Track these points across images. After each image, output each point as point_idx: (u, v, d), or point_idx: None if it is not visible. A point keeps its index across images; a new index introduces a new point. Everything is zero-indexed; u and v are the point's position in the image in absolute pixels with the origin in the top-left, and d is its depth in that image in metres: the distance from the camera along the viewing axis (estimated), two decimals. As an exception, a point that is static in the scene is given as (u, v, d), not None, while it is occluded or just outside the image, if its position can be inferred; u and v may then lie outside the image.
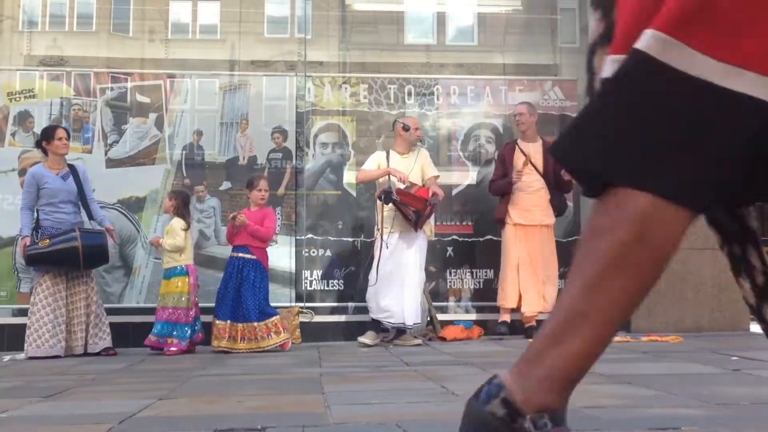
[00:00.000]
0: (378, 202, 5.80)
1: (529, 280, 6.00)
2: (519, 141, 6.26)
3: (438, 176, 6.06)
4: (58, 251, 5.37)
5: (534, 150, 6.16)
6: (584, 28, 7.55)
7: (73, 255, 5.36)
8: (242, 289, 5.58)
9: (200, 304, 5.75)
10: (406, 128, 5.99)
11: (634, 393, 3.13)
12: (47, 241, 5.41)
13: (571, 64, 7.43)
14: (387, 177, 5.82)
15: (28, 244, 5.44)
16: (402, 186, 5.72)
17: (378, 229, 5.86)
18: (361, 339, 5.78)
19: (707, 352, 4.76)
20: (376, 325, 5.86)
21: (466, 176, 6.99)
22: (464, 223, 6.89)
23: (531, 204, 6.06)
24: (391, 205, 5.70)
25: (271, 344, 5.53)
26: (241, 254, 5.67)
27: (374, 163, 5.99)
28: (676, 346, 5.25)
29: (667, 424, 2.45)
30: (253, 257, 5.66)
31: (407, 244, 5.79)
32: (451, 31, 7.72)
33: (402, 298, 5.69)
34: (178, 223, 5.70)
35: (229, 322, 5.57)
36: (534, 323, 6.02)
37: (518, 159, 6.14)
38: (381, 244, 5.77)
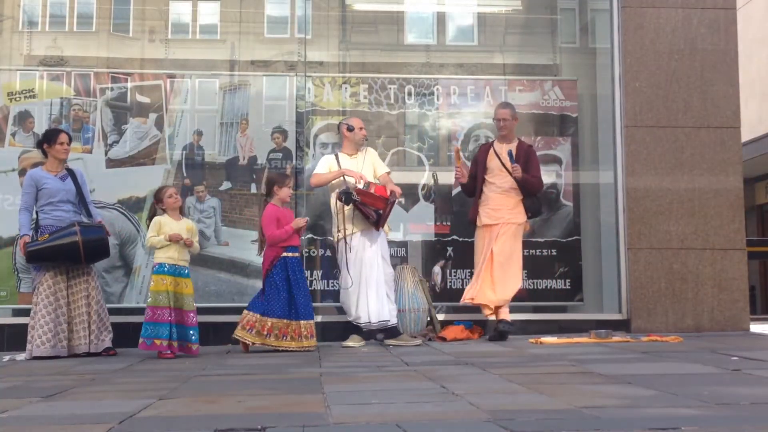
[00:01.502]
0: (337, 203, 5.75)
1: (487, 274, 5.90)
2: (495, 142, 6.23)
3: (389, 172, 6.03)
4: (59, 246, 5.36)
5: (506, 151, 6.12)
6: (584, 28, 7.56)
7: (73, 249, 5.34)
8: (302, 287, 5.54)
9: (199, 305, 5.72)
10: (350, 129, 5.99)
11: (634, 393, 3.14)
12: (47, 236, 5.42)
13: (571, 64, 7.43)
14: (342, 178, 5.80)
15: (28, 241, 5.44)
16: (360, 185, 5.69)
17: (338, 231, 5.83)
18: (345, 343, 5.77)
19: (707, 352, 4.75)
20: (356, 328, 5.84)
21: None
22: (464, 223, 6.88)
23: (499, 204, 6.01)
24: (349, 205, 5.68)
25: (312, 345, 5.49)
26: (297, 254, 5.62)
27: (325, 166, 5.94)
28: (676, 346, 5.25)
29: (667, 424, 2.45)
30: (299, 255, 5.69)
31: (368, 243, 5.77)
32: (451, 31, 7.71)
33: (367, 298, 5.68)
34: (195, 225, 5.69)
35: (303, 321, 5.45)
36: (505, 317, 5.91)
37: (491, 160, 6.12)
38: (345, 247, 5.75)
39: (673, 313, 6.37)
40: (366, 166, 5.93)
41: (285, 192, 5.64)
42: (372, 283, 5.70)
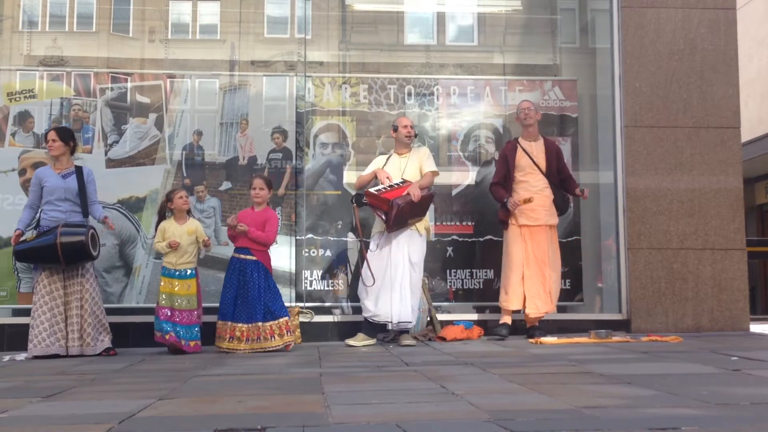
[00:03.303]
0: (353, 205, 5.91)
1: (536, 280, 5.95)
2: (520, 140, 6.22)
3: (434, 171, 5.98)
4: (40, 247, 5.39)
5: (536, 149, 6.12)
6: (584, 28, 7.56)
7: (52, 251, 5.35)
8: (249, 290, 5.58)
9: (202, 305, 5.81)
10: (395, 129, 6.07)
11: (634, 393, 3.14)
12: (33, 237, 5.49)
13: (571, 64, 7.43)
14: (375, 179, 5.89)
15: (18, 234, 5.55)
16: (380, 186, 5.73)
17: (352, 231, 5.99)
18: (349, 341, 5.81)
19: (707, 352, 4.75)
20: (368, 327, 5.85)
21: (466, 176, 6.98)
22: (464, 223, 6.88)
23: (536, 204, 6.00)
24: (361, 207, 5.79)
25: (274, 345, 5.54)
26: (242, 255, 5.67)
27: (372, 166, 6.06)
28: (676, 346, 5.25)
29: (667, 424, 2.45)
30: (254, 258, 5.66)
31: (397, 244, 5.76)
32: (451, 31, 7.71)
33: (390, 297, 5.69)
34: (199, 225, 5.86)
35: (229, 323, 5.57)
36: (537, 323, 6.01)
37: (521, 158, 6.11)
38: (362, 246, 5.91)
39: (673, 313, 6.37)
40: (411, 165, 5.93)
41: (251, 193, 5.82)
42: (396, 285, 5.69)
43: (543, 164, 6.07)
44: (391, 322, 5.70)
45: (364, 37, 7.61)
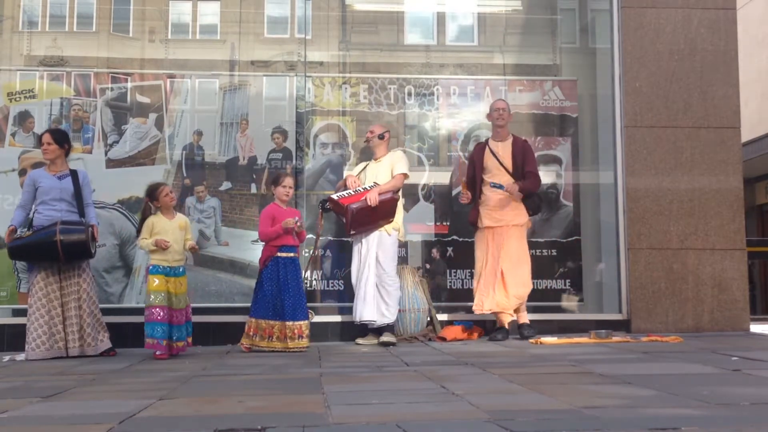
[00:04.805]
0: (320, 210, 6.06)
1: (489, 279, 5.93)
2: (490, 140, 6.22)
3: (403, 173, 5.95)
4: (38, 243, 5.35)
5: (503, 149, 6.09)
6: (584, 28, 7.55)
7: (52, 248, 5.31)
8: (299, 286, 5.56)
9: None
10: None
11: (634, 393, 3.14)
12: (30, 233, 5.42)
13: (571, 64, 7.43)
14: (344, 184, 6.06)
15: (13, 230, 5.44)
16: (345, 192, 5.86)
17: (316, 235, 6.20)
18: (358, 340, 6.00)
19: (707, 352, 4.76)
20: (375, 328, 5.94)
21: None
22: (464, 223, 6.87)
23: (501, 204, 5.99)
24: (328, 212, 6.00)
25: (302, 346, 5.47)
26: (293, 254, 5.63)
27: (355, 172, 6.19)
28: (676, 346, 5.25)
29: (667, 424, 2.46)
30: (297, 256, 5.71)
31: (366, 246, 5.88)
32: (451, 31, 7.71)
33: (358, 297, 5.83)
34: (187, 219, 5.67)
35: (288, 322, 5.46)
36: (526, 321, 5.97)
37: (488, 160, 6.10)
38: (315, 247, 6.21)
39: (673, 313, 6.37)
40: (383, 170, 6.00)
41: (279, 191, 5.72)
42: (361, 284, 5.83)
43: (509, 165, 6.03)
44: (354, 320, 5.88)
45: (364, 37, 7.61)
